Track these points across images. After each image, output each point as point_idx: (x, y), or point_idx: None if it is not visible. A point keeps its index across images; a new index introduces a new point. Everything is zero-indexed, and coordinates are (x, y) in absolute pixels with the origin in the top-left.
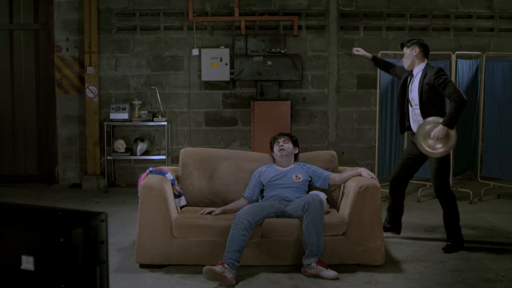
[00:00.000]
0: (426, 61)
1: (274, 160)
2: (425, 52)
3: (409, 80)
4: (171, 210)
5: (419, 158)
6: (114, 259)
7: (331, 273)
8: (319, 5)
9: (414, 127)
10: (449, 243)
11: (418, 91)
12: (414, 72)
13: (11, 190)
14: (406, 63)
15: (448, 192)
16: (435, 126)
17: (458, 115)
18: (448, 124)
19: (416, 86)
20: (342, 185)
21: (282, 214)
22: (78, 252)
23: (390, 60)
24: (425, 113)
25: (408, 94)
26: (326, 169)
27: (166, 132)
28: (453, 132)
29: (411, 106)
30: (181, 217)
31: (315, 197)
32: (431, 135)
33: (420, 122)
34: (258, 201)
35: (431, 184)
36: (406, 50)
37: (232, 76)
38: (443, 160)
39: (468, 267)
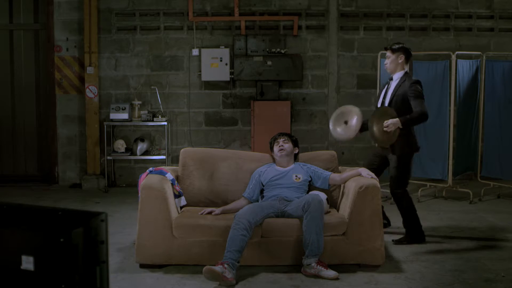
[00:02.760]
0: (406, 69)
1: (274, 160)
2: (407, 59)
3: (387, 85)
4: (171, 210)
5: (385, 157)
6: (114, 259)
7: (331, 273)
8: (319, 5)
9: None
10: (403, 236)
11: (391, 97)
12: (394, 77)
13: (11, 190)
14: (390, 67)
15: (404, 196)
16: (391, 117)
17: (414, 122)
18: (404, 122)
19: (390, 91)
20: (342, 185)
21: (282, 214)
22: (78, 252)
23: None
24: None
25: (384, 98)
26: (326, 169)
27: (166, 132)
28: (397, 132)
29: None
30: (181, 217)
31: (315, 197)
32: (385, 124)
33: None
34: (258, 201)
35: (431, 184)
36: (391, 55)
37: (232, 76)
38: (403, 166)
39: (468, 267)
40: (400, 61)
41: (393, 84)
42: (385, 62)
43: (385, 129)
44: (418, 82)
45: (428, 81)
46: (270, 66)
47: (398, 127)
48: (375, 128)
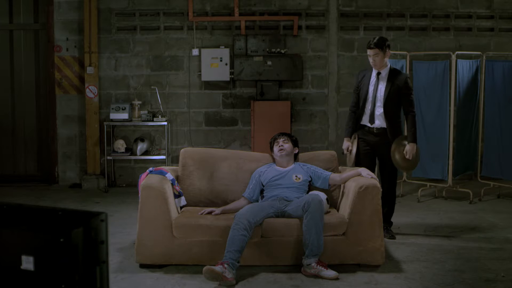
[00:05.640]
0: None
1: (274, 160)
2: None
3: (374, 79)
4: (171, 210)
5: (373, 151)
6: (114, 259)
7: (331, 273)
8: (319, 5)
9: (378, 122)
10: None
11: (385, 92)
12: (383, 73)
13: (11, 190)
14: (379, 64)
15: (395, 193)
16: (402, 146)
17: (416, 129)
18: (415, 140)
19: (383, 86)
20: (342, 185)
21: (282, 214)
22: (78, 252)
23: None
24: (386, 112)
25: (375, 92)
26: (326, 169)
27: (166, 132)
28: (417, 146)
29: (374, 104)
30: (181, 217)
31: (315, 197)
32: (407, 156)
33: (381, 119)
34: (258, 201)
35: (431, 184)
36: (379, 52)
37: (232, 76)
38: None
39: (468, 267)
40: (387, 56)
41: (384, 79)
42: (372, 60)
43: (407, 157)
44: (409, 78)
45: (428, 81)
46: (270, 66)
47: (415, 146)
48: (397, 157)
